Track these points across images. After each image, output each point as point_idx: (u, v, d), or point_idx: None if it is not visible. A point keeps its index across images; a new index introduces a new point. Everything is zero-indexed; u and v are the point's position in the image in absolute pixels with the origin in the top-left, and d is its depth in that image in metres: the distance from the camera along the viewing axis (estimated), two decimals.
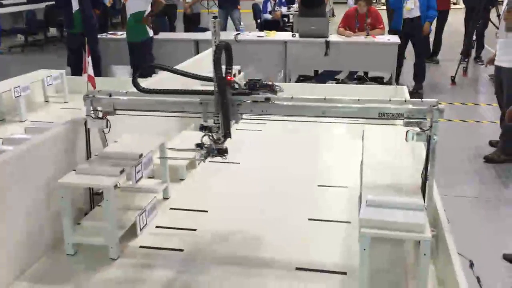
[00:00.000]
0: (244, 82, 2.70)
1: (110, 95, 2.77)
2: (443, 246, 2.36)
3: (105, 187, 2.45)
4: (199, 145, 2.68)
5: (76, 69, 6.69)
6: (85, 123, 2.79)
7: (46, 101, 5.52)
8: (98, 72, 6.55)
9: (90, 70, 2.73)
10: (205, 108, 2.67)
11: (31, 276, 2.40)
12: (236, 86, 2.62)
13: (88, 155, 2.84)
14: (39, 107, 5.31)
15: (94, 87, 2.76)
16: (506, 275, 2.75)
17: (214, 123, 2.64)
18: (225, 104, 2.53)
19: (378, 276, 2.25)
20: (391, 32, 7.44)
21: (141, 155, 2.75)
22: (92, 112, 2.77)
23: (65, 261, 2.52)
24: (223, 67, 2.53)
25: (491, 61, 4.65)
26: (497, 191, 3.80)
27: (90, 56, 2.79)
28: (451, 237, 2.33)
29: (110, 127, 2.81)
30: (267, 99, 2.60)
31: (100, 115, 2.79)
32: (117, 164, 2.62)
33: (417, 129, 2.44)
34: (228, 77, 2.54)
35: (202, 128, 2.64)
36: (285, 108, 2.61)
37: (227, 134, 2.62)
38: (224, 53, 2.53)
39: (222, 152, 2.69)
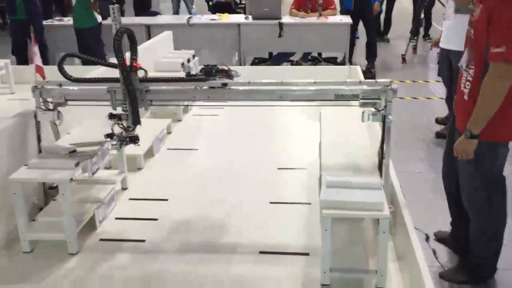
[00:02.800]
0: (200, 68, 2.66)
1: (61, 85, 2.67)
2: (400, 222, 2.44)
3: (60, 180, 2.37)
4: (110, 135, 2.62)
5: (21, 58, 6.41)
6: (35, 116, 2.68)
7: None
8: (45, 61, 6.30)
9: (38, 60, 2.61)
10: (113, 96, 2.60)
11: None
12: (142, 73, 2.56)
13: (40, 149, 2.74)
14: None
15: (44, 78, 2.64)
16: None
17: (123, 110, 2.59)
18: (131, 91, 2.48)
19: (339, 255, 2.29)
20: (343, 12, 7.51)
21: (96, 146, 2.67)
22: (42, 103, 2.67)
23: (21, 259, 2.44)
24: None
25: (436, 43, 4.65)
26: None
27: (36, 45, 2.66)
28: (408, 213, 2.41)
29: (62, 118, 2.71)
30: (224, 85, 2.57)
31: (51, 106, 2.69)
32: (71, 157, 2.55)
33: (372, 109, 2.49)
34: (134, 64, 2.49)
35: (111, 116, 2.59)
36: (242, 93, 2.59)
37: (136, 121, 2.57)
38: (128, 38, 2.48)
39: (134, 139, 2.65)
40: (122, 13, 9.15)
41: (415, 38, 8.16)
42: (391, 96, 2.42)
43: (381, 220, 2.09)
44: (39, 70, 2.61)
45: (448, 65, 4.34)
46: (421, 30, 8.90)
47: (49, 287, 2.24)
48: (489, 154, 2.58)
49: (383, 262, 2.13)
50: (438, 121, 4.90)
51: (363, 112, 2.48)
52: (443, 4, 6.11)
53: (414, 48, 8.17)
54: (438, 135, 4.59)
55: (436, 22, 8.93)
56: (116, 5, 2.47)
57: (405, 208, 2.45)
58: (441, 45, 4.41)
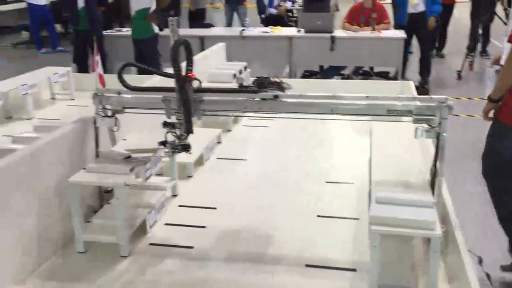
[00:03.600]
0: (252, 80, 2.70)
1: (119, 93, 2.78)
2: (452, 242, 2.37)
3: (116, 185, 2.46)
4: (163, 143, 2.69)
5: (82, 66, 6.72)
6: (95, 122, 2.80)
7: (53, 99, 5.53)
8: (104, 69, 6.57)
9: (100, 69, 2.74)
10: (168, 105, 2.67)
11: (43, 274, 2.42)
12: (196, 83, 2.63)
13: (97, 153, 2.86)
14: (45, 104, 5.33)
15: (104, 86, 2.76)
16: None
17: (177, 119, 2.64)
18: (185, 100, 2.54)
19: (386, 271, 2.25)
20: (396, 27, 7.41)
21: (150, 153, 2.76)
22: (101, 110, 2.79)
23: (76, 259, 2.54)
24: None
25: (496, 60, 4.55)
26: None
27: (98, 54, 2.80)
28: (460, 233, 2.34)
29: (119, 125, 2.82)
30: (276, 97, 2.60)
31: (109, 113, 2.81)
32: (126, 162, 2.64)
33: (426, 126, 2.44)
34: (189, 74, 2.55)
35: (165, 124, 2.65)
36: (293, 105, 2.61)
37: (189, 130, 2.63)
38: (184, 49, 2.54)
39: (186, 148, 2.71)
40: (178, 26, 9.42)
41: (472, 54, 7.92)
42: (446, 113, 2.37)
43: (433, 240, 2.04)
44: (100, 78, 2.72)
45: None
46: (479, 46, 8.63)
47: (102, 287, 2.32)
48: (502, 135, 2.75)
49: (434, 282, 2.08)
50: None
51: (416, 129, 2.44)
52: (503, 21, 5.93)
53: (471, 65, 7.92)
54: None
55: (495, 38, 8.64)
56: (175, 17, 2.56)
57: (457, 228, 2.38)
58: (502, 62, 4.28)
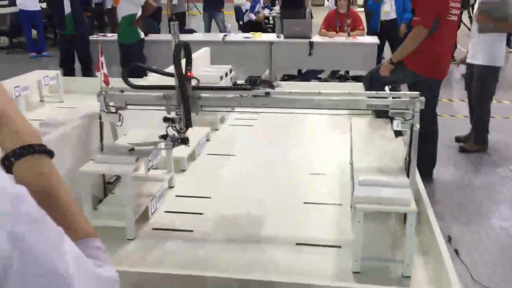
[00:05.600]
0: (246, 78, 2.99)
1: (122, 91, 3.02)
2: (425, 221, 2.69)
3: (124, 173, 2.70)
4: (164, 136, 2.96)
5: (68, 70, 6.88)
6: (100, 117, 3.03)
7: (41, 101, 5.69)
8: (90, 72, 6.75)
9: (105, 69, 2.97)
10: (168, 101, 2.93)
11: None
12: (195, 81, 2.90)
13: (102, 147, 3.08)
14: (35, 107, 5.48)
15: (107, 85, 3.00)
16: (483, 250, 3.08)
17: (177, 114, 2.91)
18: (185, 97, 2.81)
19: (368, 247, 2.55)
20: (370, 33, 7.81)
21: (151, 146, 3.00)
22: (105, 107, 3.02)
23: None
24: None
25: (462, 61, 5.08)
26: (471, 175, 4.18)
27: (103, 56, 3.03)
28: (432, 211, 2.66)
29: (122, 121, 3.06)
30: (267, 94, 2.89)
31: (113, 110, 3.04)
32: (130, 154, 2.88)
33: (402, 118, 2.76)
34: (188, 73, 2.82)
35: (166, 119, 2.92)
36: (283, 101, 2.90)
37: (188, 124, 2.89)
38: (184, 51, 2.81)
39: (185, 141, 2.98)
40: (159, 31, 9.65)
41: None
42: (418, 106, 2.70)
43: (409, 214, 2.35)
44: (105, 77, 2.96)
45: (471, 78, 4.69)
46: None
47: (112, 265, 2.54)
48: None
49: (409, 253, 2.38)
50: (458, 139, 5.12)
51: (393, 121, 2.76)
52: (468, 28, 6.36)
53: None
54: (461, 149, 4.83)
55: (461, 44, 9.14)
56: (176, 21, 2.82)
57: (429, 207, 2.70)
58: (468, 60, 4.78)
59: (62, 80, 5.78)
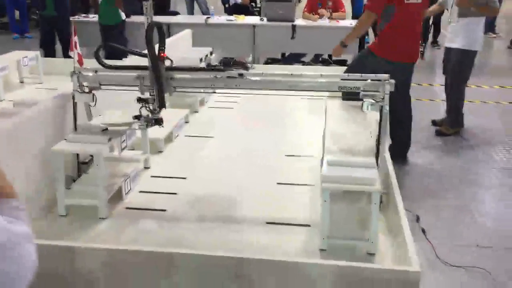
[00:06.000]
0: (219, 60, 3.00)
1: (96, 72, 3.02)
2: (392, 202, 2.75)
3: (96, 152, 2.72)
4: (137, 117, 2.98)
5: (48, 51, 6.82)
6: (73, 97, 3.03)
7: (21, 82, 5.64)
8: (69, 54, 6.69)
9: (78, 49, 2.97)
10: (142, 82, 2.95)
11: None
12: (168, 62, 2.91)
13: (75, 127, 3.09)
14: (15, 87, 5.44)
15: (81, 65, 3.00)
16: (451, 230, 3.16)
17: (150, 95, 2.92)
18: (158, 78, 2.82)
19: (336, 226, 2.61)
20: (353, 17, 7.82)
21: (125, 127, 3.02)
22: (79, 87, 3.02)
23: (59, 221, 2.79)
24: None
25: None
26: (446, 158, 4.26)
27: (76, 36, 3.02)
28: (398, 192, 2.72)
29: (96, 101, 3.07)
30: (240, 75, 2.91)
31: (86, 90, 3.04)
32: (104, 134, 2.89)
33: (372, 100, 2.80)
34: (162, 54, 2.83)
35: (139, 100, 2.93)
36: (256, 83, 2.92)
37: (162, 105, 2.91)
38: (157, 31, 2.82)
39: (159, 121, 3.00)
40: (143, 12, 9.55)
41: (423, 44, 8.44)
42: (388, 89, 2.74)
43: (373, 194, 2.41)
44: (79, 57, 2.96)
45: (449, 61, 4.75)
46: (430, 36, 9.17)
47: (84, 244, 2.58)
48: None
49: (374, 231, 2.45)
50: (435, 123, 5.19)
51: (363, 103, 2.81)
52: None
53: (422, 54, 8.44)
54: (438, 132, 4.91)
55: (445, 29, 9.19)
56: (149, 1, 2.82)
57: (396, 188, 2.76)
58: (446, 44, 4.83)
59: (42, 61, 5.73)
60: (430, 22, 8.63)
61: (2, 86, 5.01)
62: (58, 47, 7.06)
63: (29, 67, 5.72)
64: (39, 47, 6.84)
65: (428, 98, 6.29)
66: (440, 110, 5.55)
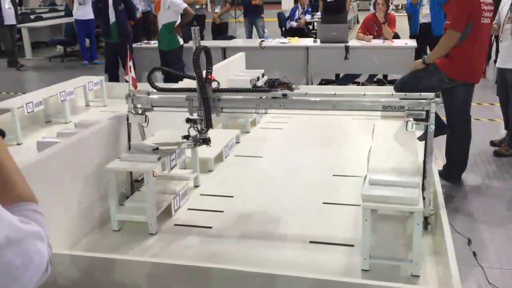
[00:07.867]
0: (265, 81, 3.09)
1: (148, 94, 3.20)
2: (439, 222, 2.68)
3: (146, 170, 2.87)
4: (186, 136, 3.08)
5: (112, 76, 7.23)
6: (127, 118, 3.22)
7: (87, 105, 6.04)
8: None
9: (133, 73, 3.16)
10: (191, 103, 3.05)
11: (83, 247, 2.82)
12: (215, 84, 3.00)
13: (129, 146, 3.27)
14: (81, 110, 5.83)
15: (136, 88, 3.18)
16: (503, 255, 3.00)
17: (198, 116, 3.02)
18: (205, 99, 2.91)
19: (381, 247, 2.58)
20: (411, 36, 7.70)
21: (175, 146, 3.16)
22: (133, 108, 3.20)
23: (111, 235, 2.95)
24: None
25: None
26: (502, 180, 4.07)
27: (131, 61, 3.22)
28: (445, 213, 2.65)
29: (148, 122, 3.23)
30: (284, 95, 2.97)
31: (140, 111, 3.22)
32: (155, 153, 3.04)
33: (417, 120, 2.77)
34: (209, 76, 2.93)
35: (188, 120, 3.04)
36: (300, 102, 2.97)
37: (209, 125, 3.00)
38: (205, 55, 2.92)
39: (206, 141, 3.09)
40: (202, 38, 9.90)
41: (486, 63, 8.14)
42: (433, 108, 2.70)
43: (415, 214, 2.37)
44: (133, 81, 3.15)
45: (505, 84, 4.53)
46: (493, 54, 8.83)
47: (133, 258, 2.70)
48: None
49: (417, 252, 2.39)
50: (493, 143, 4.95)
51: (407, 122, 2.78)
52: None
53: (484, 72, 8.15)
54: (496, 153, 4.69)
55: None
56: (197, 27, 2.96)
57: (443, 209, 2.69)
58: (498, 65, 4.62)
59: (105, 86, 6.09)
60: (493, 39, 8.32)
61: (69, 109, 5.39)
62: (122, 72, 7.46)
63: (94, 91, 6.11)
64: (104, 72, 7.28)
65: (488, 118, 6.04)
66: (499, 130, 5.32)
